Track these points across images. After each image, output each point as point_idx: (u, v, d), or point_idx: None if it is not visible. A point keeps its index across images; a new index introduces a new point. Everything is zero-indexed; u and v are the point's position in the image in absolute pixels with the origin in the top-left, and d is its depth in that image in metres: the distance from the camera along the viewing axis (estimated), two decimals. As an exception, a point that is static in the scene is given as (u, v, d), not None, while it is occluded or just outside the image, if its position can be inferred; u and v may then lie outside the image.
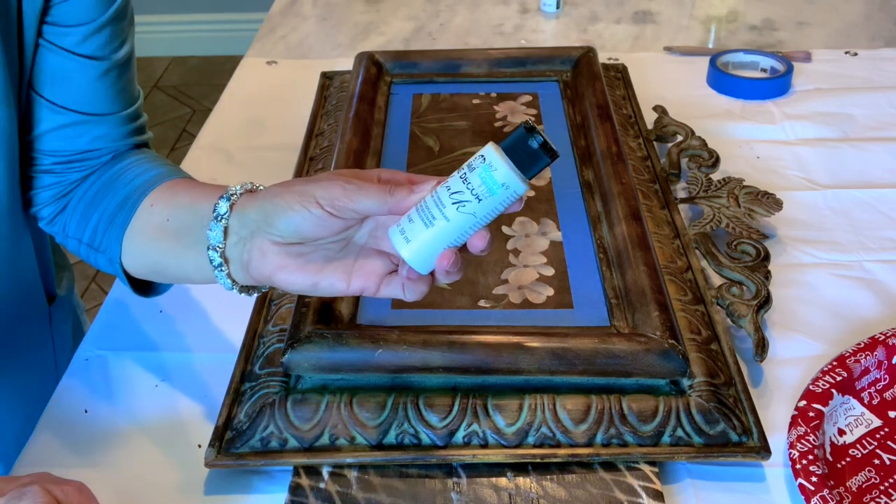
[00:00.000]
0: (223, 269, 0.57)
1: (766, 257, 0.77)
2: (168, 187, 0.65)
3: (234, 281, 0.58)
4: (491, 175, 0.49)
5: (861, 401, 0.66)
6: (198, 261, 0.58)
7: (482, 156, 0.49)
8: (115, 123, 0.68)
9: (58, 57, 0.64)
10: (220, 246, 0.56)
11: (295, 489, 0.60)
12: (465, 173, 0.49)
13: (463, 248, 0.52)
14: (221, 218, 0.56)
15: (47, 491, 0.47)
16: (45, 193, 0.68)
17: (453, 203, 0.49)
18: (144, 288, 0.69)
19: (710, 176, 0.88)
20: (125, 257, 0.65)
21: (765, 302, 0.71)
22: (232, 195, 0.57)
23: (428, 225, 0.50)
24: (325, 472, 0.61)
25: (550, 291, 0.70)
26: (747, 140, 1.01)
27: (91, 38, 0.64)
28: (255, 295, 0.60)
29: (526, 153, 0.48)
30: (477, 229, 0.51)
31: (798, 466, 0.59)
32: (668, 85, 1.12)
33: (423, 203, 0.51)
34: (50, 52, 0.64)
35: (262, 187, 0.58)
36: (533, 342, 0.62)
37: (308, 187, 0.53)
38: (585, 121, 0.90)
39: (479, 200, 0.49)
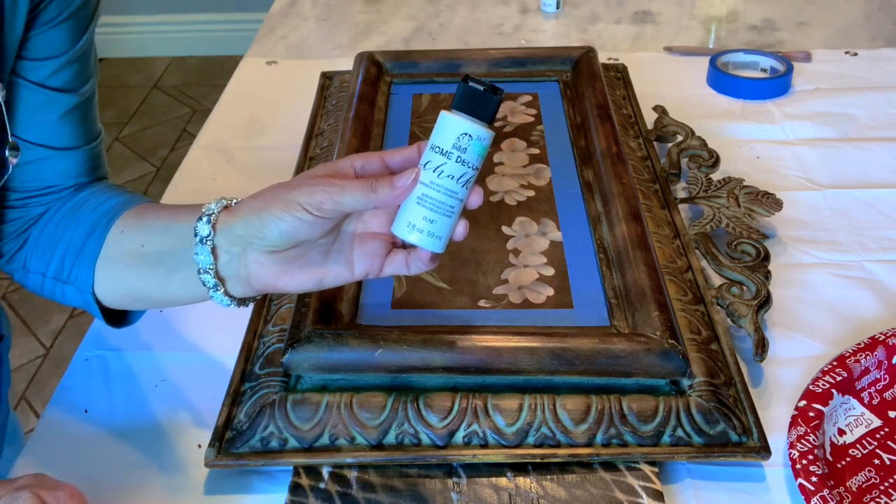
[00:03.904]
0: (219, 288, 0.57)
1: (766, 257, 0.76)
2: (136, 213, 0.64)
3: (231, 297, 0.57)
4: (482, 146, 0.53)
5: (861, 401, 0.66)
6: (186, 283, 0.58)
7: (467, 134, 0.52)
8: (80, 158, 0.68)
9: (29, 91, 0.63)
10: (212, 267, 0.56)
11: (295, 489, 0.60)
12: (459, 157, 0.53)
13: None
14: (206, 240, 0.56)
15: (39, 498, 0.47)
16: (5, 230, 0.67)
17: (463, 186, 0.53)
18: (117, 318, 0.68)
19: (710, 176, 0.88)
20: (98, 287, 0.64)
21: (765, 302, 0.71)
22: (210, 215, 0.56)
23: (450, 216, 0.54)
24: (325, 472, 0.61)
25: (550, 291, 0.70)
26: (747, 140, 1.01)
27: (62, 70, 0.64)
28: (251, 305, 0.60)
29: (483, 105, 0.53)
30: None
31: (798, 466, 0.59)
32: (668, 85, 1.12)
33: (427, 198, 0.53)
34: (21, 87, 0.63)
35: (235, 202, 0.57)
36: (533, 342, 0.62)
37: (291, 195, 0.53)
38: (585, 121, 0.90)
39: (477, 169, 0.54)
